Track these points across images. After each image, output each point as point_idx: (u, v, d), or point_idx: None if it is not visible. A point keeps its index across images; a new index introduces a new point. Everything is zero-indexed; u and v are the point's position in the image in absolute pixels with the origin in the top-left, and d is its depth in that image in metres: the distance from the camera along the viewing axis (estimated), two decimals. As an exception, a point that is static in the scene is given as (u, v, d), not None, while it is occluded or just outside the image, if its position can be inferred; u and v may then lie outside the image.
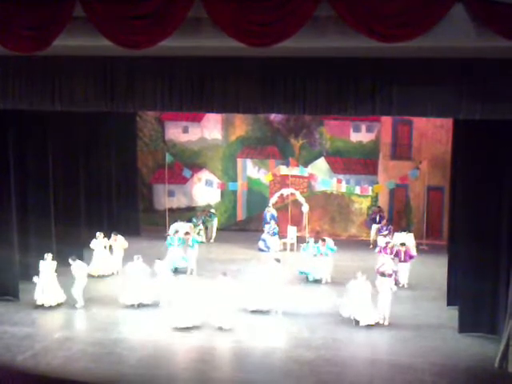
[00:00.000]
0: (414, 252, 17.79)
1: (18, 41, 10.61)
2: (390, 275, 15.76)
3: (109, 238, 18.18)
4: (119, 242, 18.11)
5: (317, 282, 17.40)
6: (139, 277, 15.43)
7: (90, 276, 16.70)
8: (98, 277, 17.52)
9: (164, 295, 15.19)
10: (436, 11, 9.28)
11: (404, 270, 16.81)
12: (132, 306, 15.31)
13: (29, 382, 11.60)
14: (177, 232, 18.75)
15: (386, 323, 14.34)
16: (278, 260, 15.70)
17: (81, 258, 17.00)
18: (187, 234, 18.70)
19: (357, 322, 14.21)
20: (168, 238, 18.69)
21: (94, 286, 16.62)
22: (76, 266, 15.56)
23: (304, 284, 17.12)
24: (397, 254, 16.90)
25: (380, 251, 17.31)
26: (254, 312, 14.91)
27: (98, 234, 18.05)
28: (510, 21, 9.16)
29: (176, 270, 17.71)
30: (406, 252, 16.90)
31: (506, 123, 12.00)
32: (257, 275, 15.72)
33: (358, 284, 14.35)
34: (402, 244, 17.33)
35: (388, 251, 17.10)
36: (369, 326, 14.11)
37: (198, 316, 14.06)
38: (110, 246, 18.16)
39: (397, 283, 16.30)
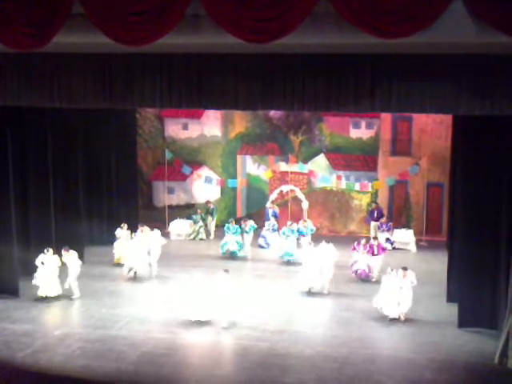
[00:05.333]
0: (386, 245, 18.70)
1: (17, 38, 10.60)
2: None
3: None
4: (145, 232, 18.21)
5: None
6: (136, 248, 16.99)
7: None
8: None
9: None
10: (435, 7, 9.27)
11: (377, 264, 17.13)
12: (130, 278, 16.84)
13: (29, 379, 11.66)
14: (232, 222, 19.75)
15: (403, 319, 14.28)
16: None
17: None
18: (245, 220, 20.24)
19: (387, 317, 14.21)
20: (225, 225, 19.82)
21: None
22: (69, 256, 15.66)
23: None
24: (370, 249, 17.16)
25: (354, 248, 17.45)
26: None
27: (122, 224, 18.88)
28: (509, 16, 9.15)
29: (232, 254, 19.31)
30: (378, 245, 17.39)
31: (505, 119, 11.99)
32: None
33: (389, 279, 14.37)
34: (375, 238, 18.09)
35: (361, 247, 17.26)
36: (388, 320, 14.19)
37: (202, 312, 14.04)
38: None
39: (370, 278, 17.01)
